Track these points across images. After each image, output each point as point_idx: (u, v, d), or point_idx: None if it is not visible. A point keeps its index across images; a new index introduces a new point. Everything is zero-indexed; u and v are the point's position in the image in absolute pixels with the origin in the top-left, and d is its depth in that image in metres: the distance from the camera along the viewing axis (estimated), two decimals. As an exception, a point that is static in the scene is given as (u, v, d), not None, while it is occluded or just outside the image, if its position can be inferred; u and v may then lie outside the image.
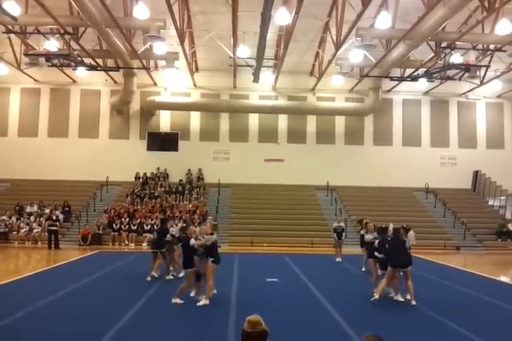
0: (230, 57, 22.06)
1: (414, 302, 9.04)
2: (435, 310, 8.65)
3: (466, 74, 22.08)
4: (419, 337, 7.00)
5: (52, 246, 19.76)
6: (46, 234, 20.55)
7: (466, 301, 9.99)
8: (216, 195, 25.60)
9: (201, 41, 21.78)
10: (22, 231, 21.65)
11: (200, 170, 26.88)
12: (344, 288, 10.97)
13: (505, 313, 8.81)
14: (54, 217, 20.56)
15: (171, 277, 11.80)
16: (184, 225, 11.04)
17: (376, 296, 9.20)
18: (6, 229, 21.67)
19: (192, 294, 9.38)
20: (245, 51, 20.74)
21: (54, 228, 20.04)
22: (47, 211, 22.61)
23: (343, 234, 16.76)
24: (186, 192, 25.48)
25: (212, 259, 9.01)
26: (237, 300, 9.32)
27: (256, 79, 22.93)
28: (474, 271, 14.70)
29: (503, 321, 8.16)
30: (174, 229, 12.61)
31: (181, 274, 11.33)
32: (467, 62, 20.11)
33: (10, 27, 19.14)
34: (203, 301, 8.95)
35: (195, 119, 27.43)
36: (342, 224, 17.01)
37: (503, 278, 14.36)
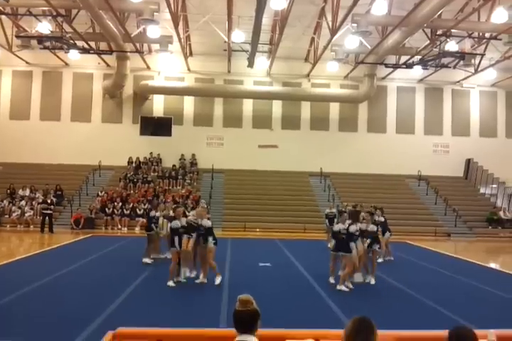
0: (225, 42, 21.88)
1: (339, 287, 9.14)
2: (424, 294, 8.79)
3: (461, 62, 22.08)
4: (409, 320, 7.10)
5: (46, 229, 19.75)
6: (39, 217, 20.55)
7: (454, 286, 10.15)
8: (209, 181, 25.61)
9: (196, 25, 21.54)
10: (14, 214, 21.61)
11: (193, 155, 26.82)
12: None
13: (494, 298, 8.96)
14: (49, 201, 20.51)
15: (147, 261, 11.73)
16: (175, 206, 11.07)
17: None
18: (-2, 213, 21.63)
19: (191, 274, 9.65)
20: (240, 36, 20.58)
21: (49, 211, 20.01)
22: (39, 195, 22.58)
23: (335, 220, 16.84)
24: (179, 177, 25.47)
25: (214, 241, 9.39)
26: (230, 284, 9.41)
27: (251, 65, 22.80)
28: (464, 258, 14.89)
29: (493, 306, 8.30)
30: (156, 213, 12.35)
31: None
32: (462, 50, 20.10)
33: (1, 8, 18.84)
34: (201, 279, 9.39)
35: (188, 104, 27.27)
36: (334, 210, 17.13)
37: (493, 265, 14.57)
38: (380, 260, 12.07)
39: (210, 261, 9.40)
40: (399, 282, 10.11)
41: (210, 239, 9.40)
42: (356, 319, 2.89)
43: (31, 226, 21.13)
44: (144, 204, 22.29)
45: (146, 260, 11.77)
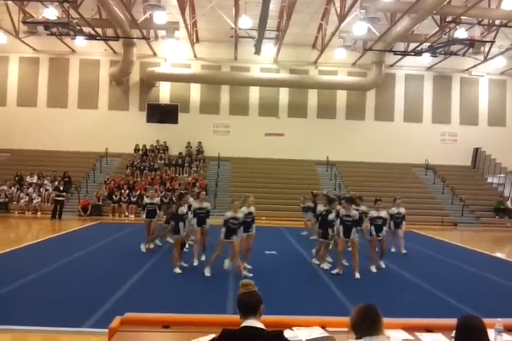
0: (232, 28, 21.72)
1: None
2: (430, 282, 8.81)
3: (470, 50, 21.83)
4: (415, 308, 7.11)
5: (56, 216, 19.89)
6: (47, 203, 20.82)
7: (460, 275, 10.15)
8: (216, 169, 25.62)
9: (202, 11, 21.37)
10: (22, 201, 21.75)
11: (199, 143, 26.80)
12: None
13: (501, 287, 8.96)
14: (61, 188, 20.61)
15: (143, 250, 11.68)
16: (181, 192, 11.11)
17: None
18: (6, 199, 21.75)
19: (195, 263, 9.65)
20: (247, 22, 20.41)
21: (61, 198, 20.11)
22: (46, 181, 22.73)
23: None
24: (186, 164, 25.49)
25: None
26: (236, 272, 9.44)
27: (257, 51, 22.64)
28: (471, 247, 14.87)
29: (499, 295, 8.29)
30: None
31: None
32: (472, 38, 19.84)
33: (7, -7, 18.77)
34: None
35: (195, 91, 27.17)
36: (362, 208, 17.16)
37: (499, 254, 14.54)
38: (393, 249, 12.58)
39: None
40: (405, 270, 10.13)
41: (254, 225, 9.97)
42: (362, 306, 2.90)
43: (39, 213, 21.30)
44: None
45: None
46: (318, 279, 9.17)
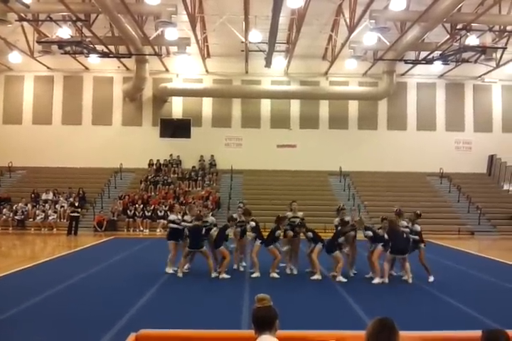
0: (242, 42, 21.89)
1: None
2: (449, 293, 8.65)
3: (482, 57, 21.71)
4: (433, 320, 6.99)
5: (72, 232, 20.01)
6: (63, 220, 21.09)
7: (479, 285, 9.96)
8: (229, 181, 25.66)
9: (213, 26, 21.62)
10: (38, 218, 21.95)
11: (212, 156, 26.91)
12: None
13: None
14: (76, 204, 20.79)
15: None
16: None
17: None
18: (23, 216, 21.98)
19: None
20: (257, 36, 20.56)
21: (76, 214, 20.29)
22: (62, 198, 22.95)
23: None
24: (199, 178, 25.57)
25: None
26: (251, 285, 9.41)
27: (268, 64, 22.77)
28: (489, 256, 14.61)
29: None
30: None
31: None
32: (483, 44, 19.73)
33: (22, 15, 19.14)
34: (256, 274, 10.32)
35: (207, 105, 27.37)
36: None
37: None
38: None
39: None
40: (422, 281, 9.95)
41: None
42: (377, 319, 2.85)
43: (55, 230, 21.44)
44: (165, 206, 22.43)
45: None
46: (333, 292, 9.05)
